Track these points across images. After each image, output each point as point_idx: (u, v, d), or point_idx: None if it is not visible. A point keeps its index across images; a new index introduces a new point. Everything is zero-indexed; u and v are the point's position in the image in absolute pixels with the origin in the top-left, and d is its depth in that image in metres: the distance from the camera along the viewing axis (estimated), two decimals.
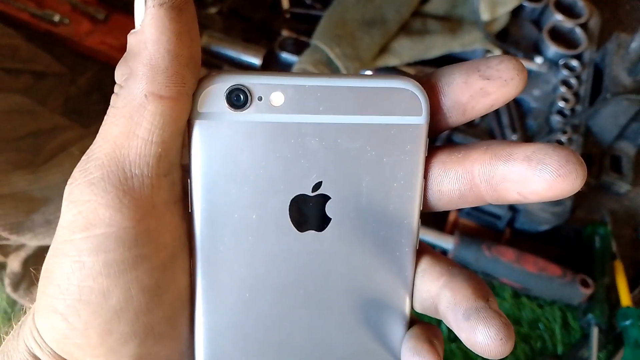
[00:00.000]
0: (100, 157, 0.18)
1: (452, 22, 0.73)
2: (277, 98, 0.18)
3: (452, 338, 0.59)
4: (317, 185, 0.19)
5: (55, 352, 0.20)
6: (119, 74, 0.18)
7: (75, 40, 0.70)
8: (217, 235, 0.19)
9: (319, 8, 0.74)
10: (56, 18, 0.70)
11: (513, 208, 0.62)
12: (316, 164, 0.19)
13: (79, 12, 0.72)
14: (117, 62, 0.19)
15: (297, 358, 0.20)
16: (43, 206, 0.48)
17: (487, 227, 0.65)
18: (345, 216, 0.19)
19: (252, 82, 0.18)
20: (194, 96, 0.18)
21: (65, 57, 0.69)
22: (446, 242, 0.62)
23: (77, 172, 0.19)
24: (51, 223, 0.48)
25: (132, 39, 0.18)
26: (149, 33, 0.17)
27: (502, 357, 0.19)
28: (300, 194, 0.19)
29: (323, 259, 0.20)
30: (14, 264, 0.53)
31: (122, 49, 0.18)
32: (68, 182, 0.19)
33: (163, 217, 0.19)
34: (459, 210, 0.65)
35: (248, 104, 0.18)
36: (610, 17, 0.83)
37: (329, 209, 0.19)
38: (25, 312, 0.22)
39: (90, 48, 0.70)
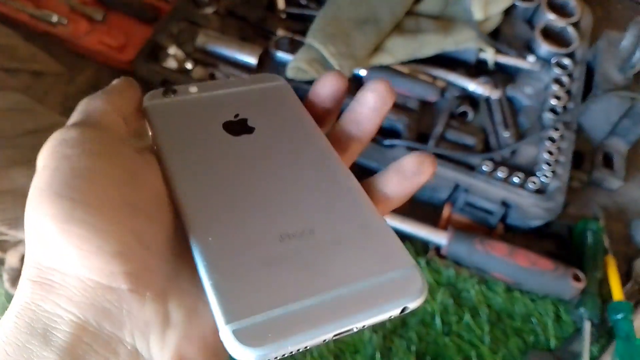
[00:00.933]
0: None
1: (445, 21, 0.74)
2: (193, 89, 0.29)
3: (446, 332, 0.60)
4: (236, 115, 0.28)
5: (40, 269, 0.21)
6: None
7: (73, 41, 0.71)
8: (185, 155, 0.26)
9: (313, 8, 0.75)
10: (54, 18, 0.71)
11: (505, 204, 0.63)
12: (226, 110, 0.28)
13: (77, 12, 0.72)
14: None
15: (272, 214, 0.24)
16: None
17: (480, 223, 0.66)
18: (261, 125, 0.28)
19: (177, 86, 0.29)
20: (148, 97, 0.28)
21: (64, 57, 0.70)
22: (440, 237, 0.63)
23: None
24: None
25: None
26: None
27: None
28: (227, 120, 0.28)
29: (259, 149, 0.27)
30: (12, 259, 0.54)
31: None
32: None
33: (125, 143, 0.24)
34: (453, 206, 0.66)
35: (176, 94, 0.29)
36: (602, 16, 0.84)
37: (250, 123, 0.28)
38: None
39: (88, 48, 0.70)
